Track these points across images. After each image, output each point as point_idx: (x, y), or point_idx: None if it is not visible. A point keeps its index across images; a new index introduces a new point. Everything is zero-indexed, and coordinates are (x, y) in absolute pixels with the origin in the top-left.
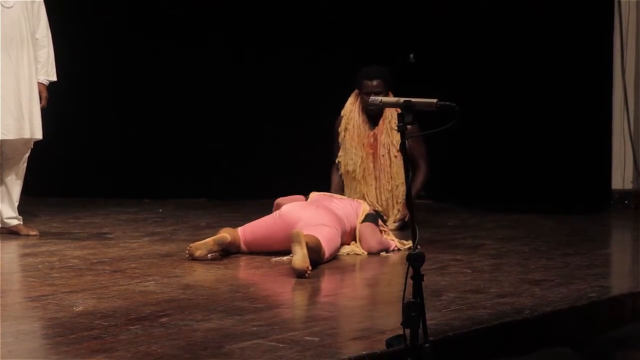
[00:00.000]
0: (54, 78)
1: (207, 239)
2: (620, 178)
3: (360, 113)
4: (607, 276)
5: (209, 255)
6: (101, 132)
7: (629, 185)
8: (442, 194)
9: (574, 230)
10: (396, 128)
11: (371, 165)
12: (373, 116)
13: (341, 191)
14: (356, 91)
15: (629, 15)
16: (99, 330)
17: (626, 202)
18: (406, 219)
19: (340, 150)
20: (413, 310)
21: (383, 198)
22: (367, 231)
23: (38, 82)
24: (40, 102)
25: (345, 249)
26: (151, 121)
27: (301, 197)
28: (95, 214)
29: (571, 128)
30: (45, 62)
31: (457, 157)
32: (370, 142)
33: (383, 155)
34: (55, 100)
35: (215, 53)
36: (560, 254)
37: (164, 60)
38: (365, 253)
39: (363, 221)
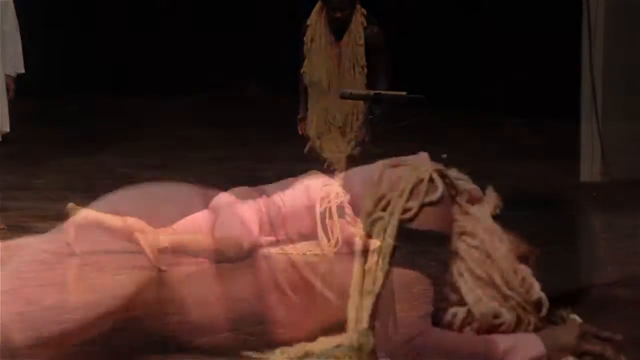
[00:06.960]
0: (22, 70)
1: None
2: (589, 171)
3: (326, 24)
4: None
5: None
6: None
7: (597, 178)
8: None
9: (542, 222)
10: (361, 43)
11: (336, 78)
12: (339, 29)
13: (305, 103)
14: (320, 2)
15: (597, 9)
16: (69, 324)
17: (594, 194)
18: (365, 139)
19: (306, 61)
20: None
21: (344, 113)
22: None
23: (5, 74)
24: (8, 95)
25: (303, 248)
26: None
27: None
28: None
29: (539, 121)
30: (13, 54)
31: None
32: (336, 54)
33: (348, 70)
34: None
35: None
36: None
37: (120, 50)
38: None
39: None
